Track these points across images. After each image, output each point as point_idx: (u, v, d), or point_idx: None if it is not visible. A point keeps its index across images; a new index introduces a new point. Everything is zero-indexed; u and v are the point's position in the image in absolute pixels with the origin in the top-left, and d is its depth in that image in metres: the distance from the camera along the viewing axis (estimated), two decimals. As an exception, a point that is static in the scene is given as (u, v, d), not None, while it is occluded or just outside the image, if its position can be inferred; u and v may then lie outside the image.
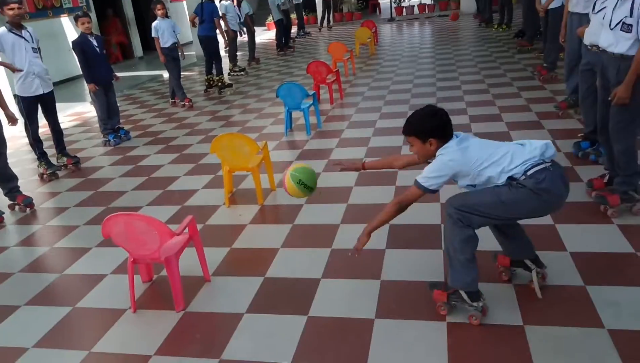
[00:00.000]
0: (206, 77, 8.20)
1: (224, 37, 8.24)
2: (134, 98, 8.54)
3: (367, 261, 2.80)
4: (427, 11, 17.71)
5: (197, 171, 4.65)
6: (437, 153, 2.18)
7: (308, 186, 2.48)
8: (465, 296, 2.22)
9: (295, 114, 5.75)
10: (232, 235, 3.34)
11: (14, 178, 4.09)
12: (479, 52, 9.21)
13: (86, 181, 4.72)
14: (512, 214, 2.19)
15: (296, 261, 2.96)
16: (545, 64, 6.59)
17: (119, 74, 5.93)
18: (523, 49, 8.64)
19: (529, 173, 2.09)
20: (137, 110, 7.55)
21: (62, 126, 6.64)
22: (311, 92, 5.63)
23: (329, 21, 16.56)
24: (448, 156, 2.15)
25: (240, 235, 3.35)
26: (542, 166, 2.10)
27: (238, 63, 9.88)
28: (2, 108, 3.99)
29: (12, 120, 4.03)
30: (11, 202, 4.12)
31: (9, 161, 4.09)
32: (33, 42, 4.52)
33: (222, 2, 9.14)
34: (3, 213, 3.95)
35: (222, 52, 8.47)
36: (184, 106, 7.36)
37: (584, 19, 4.32)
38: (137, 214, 2.34)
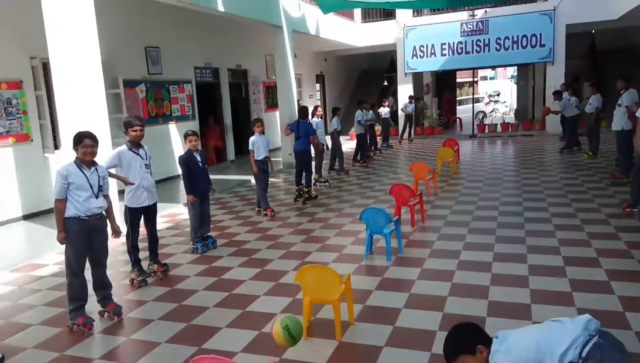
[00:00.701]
0: (297, 188, 8.62)
1: (316, 151, 8.78)
2: (223, 203, 9.05)
3: None
4: (510, 130, 17.74)
5: (277, 292, 4.69)
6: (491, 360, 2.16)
7: (292, 335, 2.64)
8: None
9: (377, 235, 5.76)
10: (309, 375, 3.25)
11: (109, 286, 4.37)
12: (568, 180, 8.91)
13: (172, 291, 4.92)
14: None
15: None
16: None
17: (212, 177, 6.36)
18: (617, 181, 8.25)
19: (583, 354, 2.01)
20: (225, 216, 7.96)
21: (157, 226, 7.16)
22: (394, 218, 5.65)
23: (409, 134, 17.07)
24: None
25: (317, 376, 3.25)
26: (592, 342, 2.03)
27: (322, 175, 10.31)
28: (110, 221, 4.37)
29: (117, 233, 4.39)
30: (102, 309, 4.35)
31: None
32: (146, 159, 5.04)
33: (314, 119, 9.88)
34: (93, 320, 4.16)
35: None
36: (266, 215, 7.69)
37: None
38: (225, 360, 2.36)
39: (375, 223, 5.46)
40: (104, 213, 4.26)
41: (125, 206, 5.03)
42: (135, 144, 4.96)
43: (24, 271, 5.76)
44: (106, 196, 4.31)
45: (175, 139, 11.80)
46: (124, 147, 4.94)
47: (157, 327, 4.15)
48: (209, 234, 6.28)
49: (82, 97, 6.53)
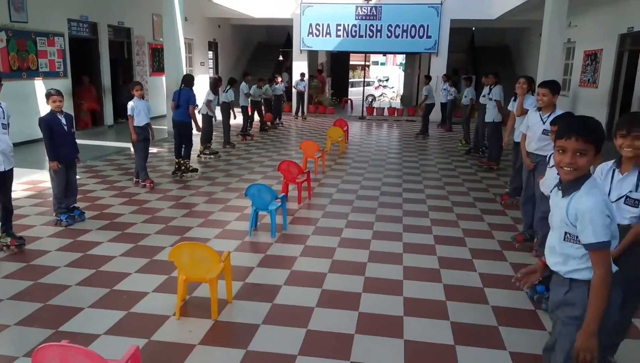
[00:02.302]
0: (176, 160, 8.12)
1: (196, 124, 8.25)
2: (96, 171, 8.29)
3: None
4: (396, 114, 18.62)
5: (151, 269, 4.39)
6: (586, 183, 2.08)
7: None
8: None
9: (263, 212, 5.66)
10: (177, 358, 3.07)
11: None
12: (444, 164, 9.58)
13: (27, 267, 4.36)
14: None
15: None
16: (507, 190, 6.89)
17: (86, 142, 5.75)
18: (486, 167, 9.05)
19: None
20: (98, 186, 7.29)
21: (14, 194, 6.31)
22: (281, 194, 5.58)
23: (302, 112, 17.15)
24: (600, 189, 2.09)
25: (187, 359, 3.07)
26: None
27: (212, 146, 9.91)
28: None
29: None
30: None
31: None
32: (4, 118, 4.35)
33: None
34: None
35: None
36: (144, 186, 7.19)
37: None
38: (76, 348, 2.10)
39: (261, 199, 5.34)
40: None
41: (-26, 171, 4.31)
42: (-16, 100, 4.24)
43: None
44: None
45: (42, 97, 10.42)
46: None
47: (5, 307, 3.64)
48: (76, 205, 5.68)
49: None
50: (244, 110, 12.25)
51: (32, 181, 7.35)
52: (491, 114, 8.90)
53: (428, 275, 4.41)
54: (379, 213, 6.25)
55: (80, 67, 12.11)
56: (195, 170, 8.24)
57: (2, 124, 4.32)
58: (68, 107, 11.29)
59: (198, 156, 9.58)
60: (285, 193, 6.39)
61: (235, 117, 11.05)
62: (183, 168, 8.03)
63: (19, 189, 6.86)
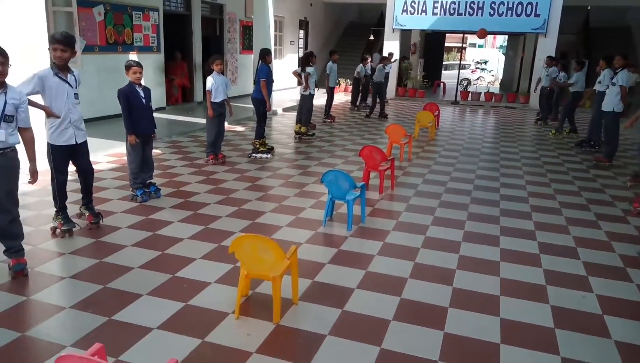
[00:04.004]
0: (253, 140, 7.90)
1: (267, 101, 7.85)
2: (179, 146, 8.29)
3: None
4: (493, 100, 17.21)
5: (216, 256, 4.08)
6: None
7: None
8: None
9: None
10: (231, 367, 2.70)
11: (17, 237, 3.62)
12: (549, 158, 8.46)
13: (96, 244, 4.25)
14: None
15: None
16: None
17: (175, 117, 5.60)
18: (600, 164, 7.84)
19: None
20: (178, 162, 7.23)
21: (99, 166, 6.40)
22: (360, 183, 5.05)
23: (362, 103, 14.77)
24: None
25: (241, 369, 2.70)
26: None
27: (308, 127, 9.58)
28: (29, 160, 3.61)
29: (33, 177, 3.64)
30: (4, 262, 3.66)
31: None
32: (76, 88, 4.23)
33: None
34: None
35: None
36: (206, 162, 7.08)
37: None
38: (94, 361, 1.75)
39: (338, 187, 4.85)
40: (14, 149, 3.50)
41: (48, 144, 4.22)
42: (62, 68, 4.11)
43: None
44: (25, 130, 3.54)
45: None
46: (47, 70, 4.08)
47: (66, 286, 3.51)
48: (152, 181, 5.57)
49: (17, 12, 5.58)
50: (330, 91, 11.72)
51: (118, 154, 7.44)
52: (612, 103, 7.65)
53: (531, 292, 3.68)
54: (471, 211, 5.51)
55: (172, 43, 12.30)
56: (270, 149, 7.88)
57: (74, 93, 4.19)
58: (160, 82, 11.55)
59: (297, 138, 9.31)
60: (365, 181, 5.86)
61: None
62: (257, 146, 7.77)
63: (104, 161, 6.97)
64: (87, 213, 4.64)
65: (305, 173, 6.92)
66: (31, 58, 5.63)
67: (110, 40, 9.97)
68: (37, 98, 4.12)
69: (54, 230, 4.40)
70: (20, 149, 3.58)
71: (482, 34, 12.58)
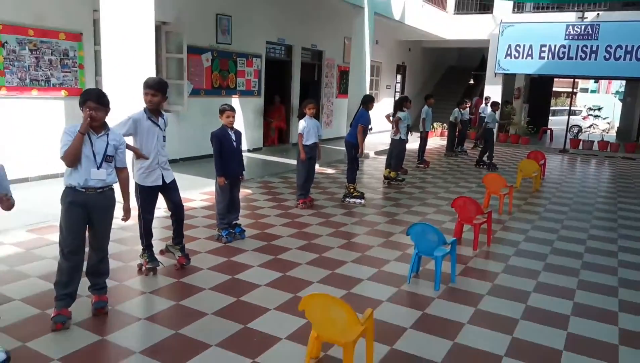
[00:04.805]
0: (346, 185, 7.75)
1: (360, 146, 7.66)
2: (270, 187, 8.39)
3: None
4: (609, 149, 15.64)
5: (291, 308, 3.87)
6: None
7: None
8: None
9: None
10: None
11: (103, 274, 3.71)
12: (681, 220, 7.30)
13: (176, 284, 4.26)
14: None
15: None
16: None
17: (270, 158, 5.66)
18: None
19: None
20: (266, 202, 7.27)
21: (192, 204, 6.59)
22: (450, 239, 4.62)
23: (460, 149, 14.00)
24: None
25: None
26: None
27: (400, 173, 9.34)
28: (124, 198, 3.74)
29: (127, 214, 3.75)
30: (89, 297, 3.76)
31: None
32: (164, 131, 4.38)
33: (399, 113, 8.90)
34: (65, 320, 3.42)
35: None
36: (297, 206, 7.00)
37: None
38: None
39: (425, 241, 4.47)
40: (112, 188, 3.63)
41: (136, 184, 4.38)
42: (154, 112, 4.29)
43: (40, 232, 5.39)
44: (121, 170, 3.67)
45: (237, 115, 11.26)
46: (140, 113, 4.26)
47: (140, 328, 3.49)
48: (238, 222, 5.59)
49: (130, 57, 6.07)
50: (423, 135, 11.37)
51: (211, 192, 7.68)
52: None
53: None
54: (582, 278, 4.80)
55: (272, 87, 12.79)
56: (361, 196, 7.64)
57: (163, 136, 4.33)
58: (258, 125, 11.99)
59: (387, 183, 9.09)
60: (458, 235, 5.41)
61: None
62: (348, 192, 7.59)
63: (197, 199, 7.22)
64: (179, 254, 4.68)
65: (392, 221, 6.59)
66: (138, 103, 6.04)
67: (215, 84, 10.59)
68: (128, 140, 4.31)
69: (140, 267, 4.51)
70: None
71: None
